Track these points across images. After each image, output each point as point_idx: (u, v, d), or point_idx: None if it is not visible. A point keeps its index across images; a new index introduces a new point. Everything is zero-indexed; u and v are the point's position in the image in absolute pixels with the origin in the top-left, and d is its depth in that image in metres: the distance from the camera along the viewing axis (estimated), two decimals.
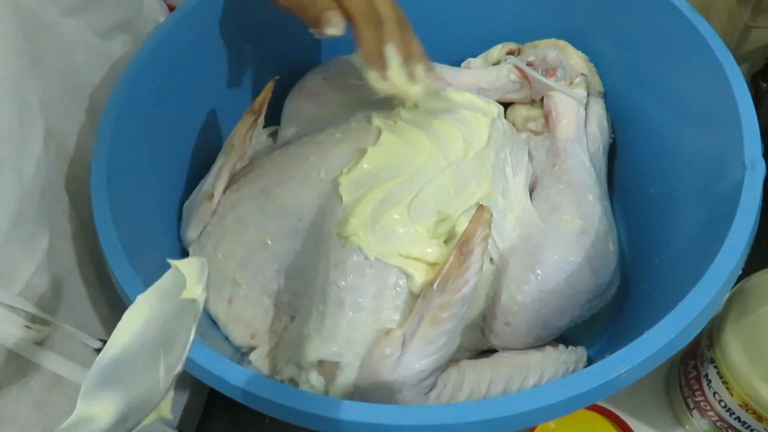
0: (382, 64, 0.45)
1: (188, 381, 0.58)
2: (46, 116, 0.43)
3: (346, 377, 0.42)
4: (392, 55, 0.45)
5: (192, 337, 0.30)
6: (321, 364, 0.44)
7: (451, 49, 0.63)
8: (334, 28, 0.43)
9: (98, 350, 0.45)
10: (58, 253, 0.44)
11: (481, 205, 0.41)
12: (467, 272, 0.40)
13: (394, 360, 0.40)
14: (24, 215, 0.40)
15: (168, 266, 0.49)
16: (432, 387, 0.42)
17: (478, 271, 0.41)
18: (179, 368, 0.29)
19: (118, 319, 0.47)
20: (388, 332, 0.41)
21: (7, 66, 0.40)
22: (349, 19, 0.44)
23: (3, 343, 0.39)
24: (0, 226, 0.38)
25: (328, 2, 0.44)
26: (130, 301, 0.39)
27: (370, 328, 0.43)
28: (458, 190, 0.47)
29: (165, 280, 0.33)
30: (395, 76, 0.45)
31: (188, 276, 0.32)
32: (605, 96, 0.60)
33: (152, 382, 0.30)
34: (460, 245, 0.40)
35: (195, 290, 0.32)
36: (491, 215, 0.41)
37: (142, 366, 0.31)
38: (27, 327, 0.40)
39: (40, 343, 0.42)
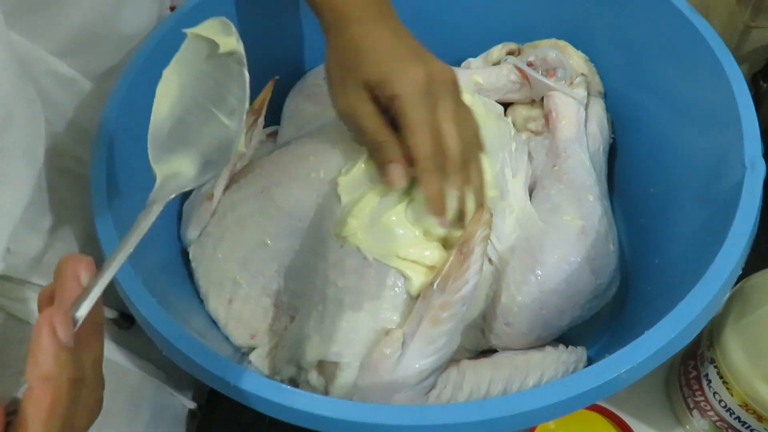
0: (442, 211, 0.41)
1: (188, 381, 0.58)
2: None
3: (346, 377, 0.42)
4: (451, 201, 0.42)
5: (246, 78, 0.34)
6: (321, 364, 0.44)
7: (451, 49, 0.63)
8: (398, 186, 0.42)
9: (114, 320, 0.46)
10: (66, 231, 0.45)
11: (481, 205, 0.41)
12: (467, 272, 0.40)
13: (394, 360, 0.40)
14: (35, 197, 0.40)
15: (168, 267, 0.49)
16: (432, 387, 0.42)
17: (478, 271, 0.41)
18: (244, 109, 0.33)
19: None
20: (388, 332, 0.41)
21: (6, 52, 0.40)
22: (413, 160, 0.41)
23: (23, 318, 0.40)
24: (13, 212, 0.38)
25: (391, 146, 0.41)
26: (131, 302, 0.39)
27: (370, 328, 0.43)
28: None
29: (185, 48, 0.36)
30: (451, 222, 0.42)
31: (213, 34, 0.35)
32: (605, 96, 0.60)
33: (218, 129, 0.34)
34: (460, 245, 0.40)
35: (229, 42, 0.35)
36: (491, 215, 0.41)
37: (195, 123, 0.35)
38: None
39: None
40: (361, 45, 0.42)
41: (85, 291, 0.28)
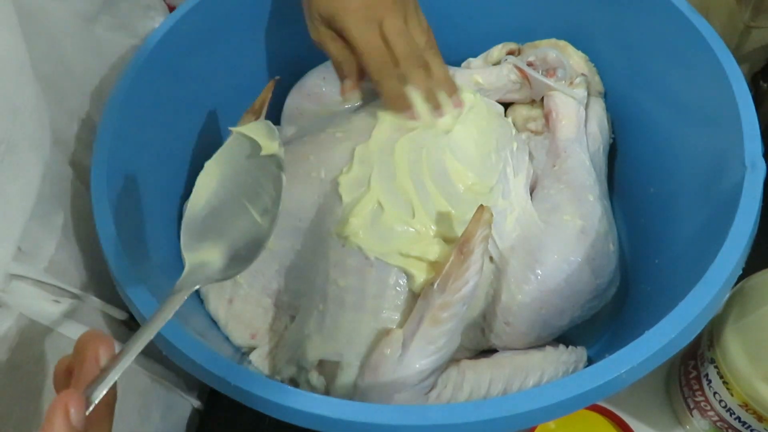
0: (406, 106, 0.48)
1: (188, 381, 0.58)
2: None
3: (347, 377, 0.42)
4: (414, 95, 0.47)
5: (284, 182, 0.36)
6: (321, 364, 0.44)
7: (451, 49, 0.63)
8: (348, 102, 0.51)
9: (124, 322, 0.47)
10: (76, 230, 0.45)
11: (482, 205, 0.41)
12: (467, 272, 0.40)
13: (394, 360, 0.40)
14: (43, 193, 0.40)
15: (168, 267, 0.49)
16: (432, 387, 0.42)
17: (478, 271, 0.41)
18: (277, 210, 0.35)
19: None
20: (388, 332, 0.41)
21: (15, 45, 0.40)
22: (364, 69, 0.47)
23: (35, 318, 0.40)
24: (23, 205, 0.38)
25: (346, 64, 0.48)
26: (131, 301, 0.39)
27: (371, 327, 0.43)
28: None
29: (229, 143, 0.39)
30: (422, 113, 0.48)
31: (258, 137, 0.37)
32: (605, 96, 0.60)
33: (250, 226, 0.36)
34: (460, 245, 0.40)
35: (272, 146, 0.37)
36: (491, 215, 0.41)
37: (229, 216, 0.36)
38: (56, 301, 0.42)
39: (69, 316, 0.43)
40: None
41: (103, 373, 0.28)
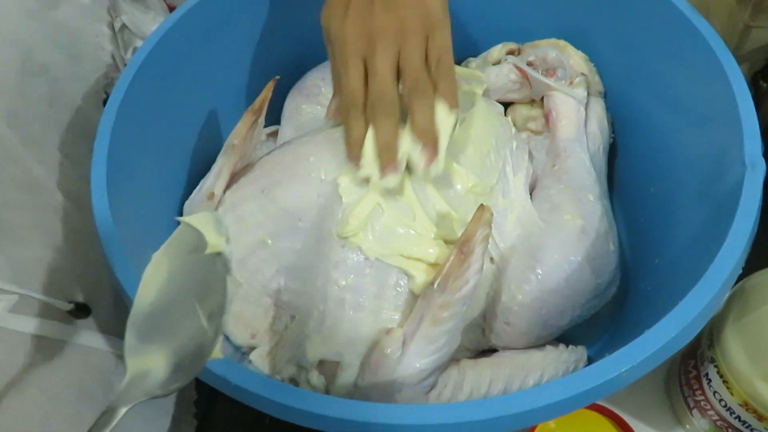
0: (354, 156, 0.44)
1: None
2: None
3: (347, 377, 0.42)
4: (367, 147, 0.43)
5: (229, 288, 0.31)
6: (321, 364, 0.44)
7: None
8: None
9: (69, 312, 0.45)
10: (4, 224, 0.43)
11: (482, 204, 0.41)
12: (467, 272, 0.40)
13: (394, 359, 0.40)
14: None
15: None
16: (432, 386, 0.42)
17: (478, 270, 0.41)
18: (224, 316, 0.31)
19: (85, 270, 0.47)
20: (388, 332, 0.41)
21: None
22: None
23: None
24: None
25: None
26: (131, 301, 0.39)
27: (371, 327, 0.43)
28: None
29: (177, 236, 0.34)
30: (365, 168, 0.44)
31: (205, 230, 0.33)
32: (605, 96, 0.60)
33: (197, 330, 0.32)
34: (460, 245, 0.40)
35: (218, 243, 0.33)
36: (492, 215, 0.41)
37: (178, 315, 0.32)
38: None
39: (11, 310, 0.41)
40: None
41: None
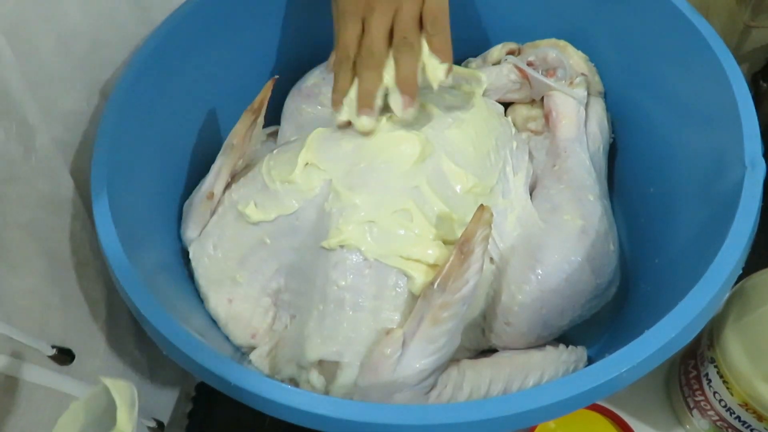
0: (336, 106, 0.48)
1: (189, 381, 0.58)
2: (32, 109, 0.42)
3: (347, 377, 0.42)
4: (349, 98, 0.47)
5: None
6: (321, 364, 0.44)
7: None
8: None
9: (51, 357, 0.44)
10: (4, 251, 0.41)
11: (482, 204, 0.41)
12: (468, 272, 0.40)
13: (394, 360, 0.40)
14: None
15: (168, 267, 0.49)
16: (432, 387, 0.42)
17: (478, 270, 0.41)
18: None
19: (72, 314, 0.45)
20: (388, 332, 0.41)
21: None
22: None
23: None
24: None
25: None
26: (131, 301, 0.39)
27: (371, 327, 0.43)
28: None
29: (97, 394, 0.32)
30: (341, 116, 0.48)
31: (120, 405, 0.31)
32: (605, 96, 0.60)
33: None
34: (460, 245, 0.40)
35: (126, 427, 0.31)
36: (492, 215, 0.41)
37: None
38: None
39: None
40: None
41: None
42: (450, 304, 0.40)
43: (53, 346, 0.44)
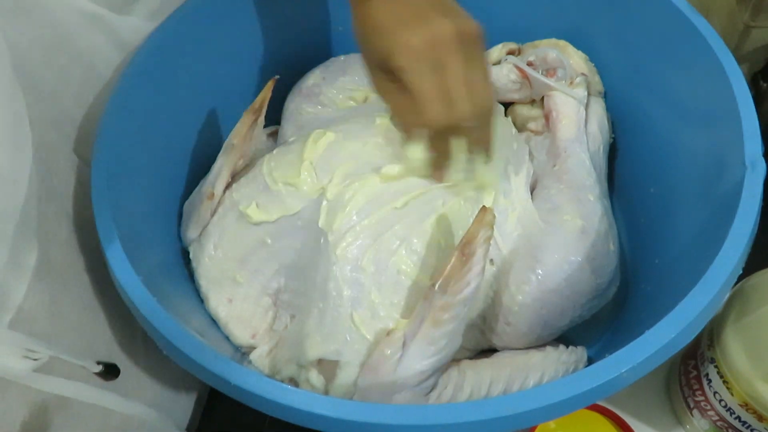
0: (439, 176, 0.45)
1: (189, 381, 0.58)
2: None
3: (346, 376, 0.42)
4: (456, 165, 0.44)
5: None
6: (321, 363, 0.44)
7: None
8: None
9: (98, 374, 0.43)
10: (50, 269, 0.40)
11: (484, 206, 0.41)
12: (469, 274, 0.40)
13: (394, 361, 0.40)
14: (7, 234, 0.36)
15: (168, 267, 0.49)
16: (433, 388, 0.42)
17: (480, 272, 0.41)
18: None
19: (118, 330, 0.46)
20: (388, 333, 0.41)
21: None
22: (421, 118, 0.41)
23: (2, 375, 0.36)
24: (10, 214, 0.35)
25: (410, 116, 0.41)
26: (131, 302, 0.39)
27: (370, 326, 0.43)
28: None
29: None
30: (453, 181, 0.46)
31: None
32: (605, 96, 0.60)
33: None
34: (462, 246, 0.40)
35: None
36: (494, 217, 0.41)
37: None
38: (25, 356, 0.37)
39: (39, 370, 0.38)
40: (365, 26, 0.41)
41: None
42: (451, 305, 0.40)
43: (99, 362, 0.43)
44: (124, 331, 0.48)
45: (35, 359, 0.37)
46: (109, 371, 0.44)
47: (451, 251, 0.40)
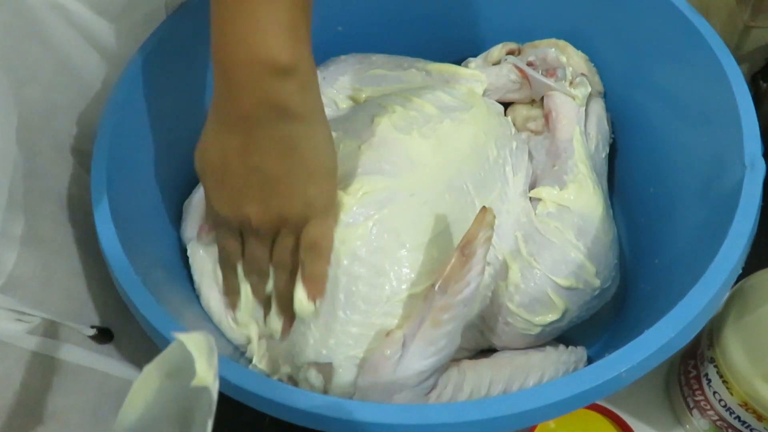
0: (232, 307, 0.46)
1: None
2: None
3: (341, 378, 0.42)
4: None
5: (209, 429, 0.28)
6: (317, 363, 0.44)
7: (451, 49, 0.63)
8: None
9: (92, 337, 0.45)
10: (38, 239, 0.42)
11: (484, 207, 0.41)
12: (469, 274, 0.40)
13: (394, 361, 0.40)
14: None
15: (167, 266, 0.49)
16: (432, 388, 0.42)
17: (480, 273, 0.41)
18: None
19: (110, 296, 0.46)
20: (388, 333, 0.41)
21: None
22: None
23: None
24: None
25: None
26: (131, 301, 0.39)
27: (362, 328, 0.43)
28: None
29: (171, 353, 0.31)
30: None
31: (197, 356, 0.30)
32: (605, 96, 0.60)
33: None
34: (462, 247, 0.40)
35: (207, 377, 0.29)
36: (494, 217, 0.41)
37: None
38: (18, 320, 0.39)
39: (34, 332, 0.41)
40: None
41: None
42: (451, 306, 0.40)
43: (92, 326, 0.45)
44: (117, 297, 0.49)
45: (28, 323, 0.39)
46: (103, 334, 0.46)
47: (451, 252, 0.40)
